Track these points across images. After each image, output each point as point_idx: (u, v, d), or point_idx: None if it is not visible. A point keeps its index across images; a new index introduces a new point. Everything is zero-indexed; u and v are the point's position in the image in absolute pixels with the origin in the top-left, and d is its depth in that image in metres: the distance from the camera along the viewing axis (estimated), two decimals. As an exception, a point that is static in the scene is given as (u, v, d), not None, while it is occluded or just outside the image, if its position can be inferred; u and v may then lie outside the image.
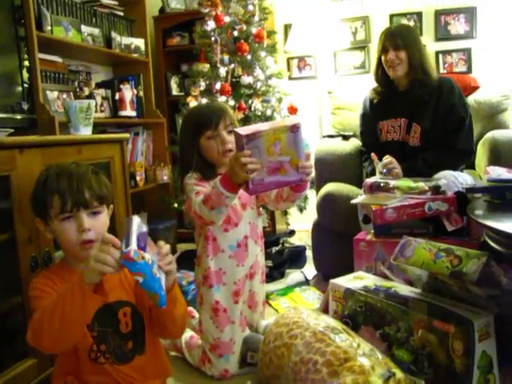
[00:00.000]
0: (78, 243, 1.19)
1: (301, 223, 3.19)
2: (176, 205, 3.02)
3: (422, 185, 1.94)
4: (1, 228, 1.52)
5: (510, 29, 3.09)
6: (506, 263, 1.36)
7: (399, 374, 1.32)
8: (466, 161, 2.27)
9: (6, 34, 2.03)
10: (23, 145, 1.56)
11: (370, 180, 2.06)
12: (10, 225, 1.52)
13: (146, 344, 1.31)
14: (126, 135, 2.10)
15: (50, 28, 2.38)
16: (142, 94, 3.17)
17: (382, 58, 2.27)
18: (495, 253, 1.38)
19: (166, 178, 3.19)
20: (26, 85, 2.06)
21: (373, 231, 1.98)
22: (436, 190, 1.89)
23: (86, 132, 1.91)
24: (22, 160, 1.55)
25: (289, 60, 3.60)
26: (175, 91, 3.63)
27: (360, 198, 2.02)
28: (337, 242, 2.37)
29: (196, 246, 1.80)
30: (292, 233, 3.18)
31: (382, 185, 2.00)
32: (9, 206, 1.52)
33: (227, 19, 2.85)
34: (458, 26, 3.22)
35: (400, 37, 2.21)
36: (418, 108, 2.24)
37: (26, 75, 2.08)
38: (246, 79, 2.76)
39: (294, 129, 1.35)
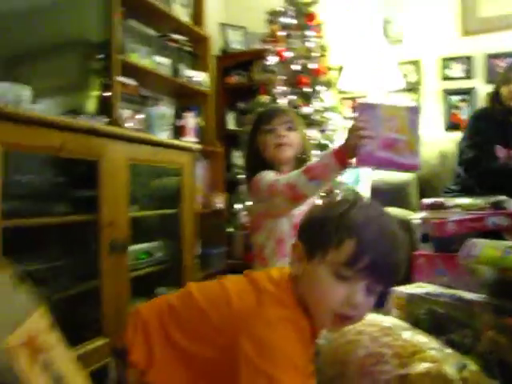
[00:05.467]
0: (337, 310, 0.89)
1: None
2: (231, 229, 3.10)
3: (481, 202, 1.96)
4: (87, 210, 1.63)
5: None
6: None
7: (473, 366, 1.31)
8: None
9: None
10: (112, 135, 1.69)
11: (428, 200, 2.10)
12: (95, 208, 1.63)
13: None
14: (198, 146, 2.22)
15: (128, 54, 2.59)
16: (202, 124, 3.35)
17: (503, 89, 2.32)
18: None
19: (220, 204, 3.29)
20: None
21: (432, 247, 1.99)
22: (497, 205, 1.91)
23: (162, 136, 2.04)
24: (110, 149, 1.68)
25: (342, 100, 3.74)
26: (231, 125, 3.80)
27: (420, 215, 2.05)
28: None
29: (258, 251, 1.71)
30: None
31: (440, 203, 2.04)
32: (96, 190, 1.63)
33: (288, 55, 3.03)
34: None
35: None
36: None
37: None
38: (306, 109, 2.89)
39: (414, 110, 1.38)
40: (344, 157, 1.38)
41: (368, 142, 1.33)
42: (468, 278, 1.69)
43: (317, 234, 0.90)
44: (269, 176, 1.57)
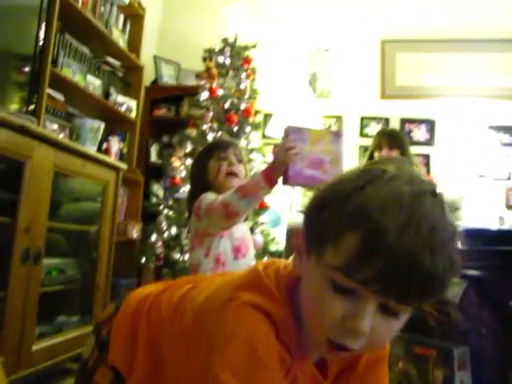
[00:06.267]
0: (330, 335, 0.62)
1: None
2: (143, 260, 3.01)
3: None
4: (4, 212, 1.52)
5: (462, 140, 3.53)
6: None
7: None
8: None
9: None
10: (42, 137, 1.61)
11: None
12: (12, 211, 1.53)
13: None
14: (124, 166, 2.17)
15: (60, 67, 2.52)
16: (125, 151, 3.28)
17: (376, 154, 2.52)
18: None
19: (135, 234, 3.20)
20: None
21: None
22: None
23: (92, 149, 1.98)
24: (38, 152, 1.59)
25: (265, 145, 3.84)
26: (154, 158, 3.76)
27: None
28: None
29: (193, 271, 1.69)
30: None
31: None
32: (17, 192, 1.53)
33: (220, 92, 3.11)
34: (419, 133, 3.64)
35: (394, 137, 2.52)
36: None
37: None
38: (232, 146, 2.94)
39: (337, 134, 1.51)
40: (272, 176, 1.46)
41: (296, 160, 1.41)
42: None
43: (315, 221, 0.64)
44: (209, 196, 1.62)
